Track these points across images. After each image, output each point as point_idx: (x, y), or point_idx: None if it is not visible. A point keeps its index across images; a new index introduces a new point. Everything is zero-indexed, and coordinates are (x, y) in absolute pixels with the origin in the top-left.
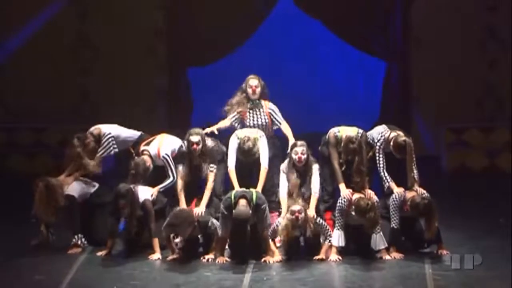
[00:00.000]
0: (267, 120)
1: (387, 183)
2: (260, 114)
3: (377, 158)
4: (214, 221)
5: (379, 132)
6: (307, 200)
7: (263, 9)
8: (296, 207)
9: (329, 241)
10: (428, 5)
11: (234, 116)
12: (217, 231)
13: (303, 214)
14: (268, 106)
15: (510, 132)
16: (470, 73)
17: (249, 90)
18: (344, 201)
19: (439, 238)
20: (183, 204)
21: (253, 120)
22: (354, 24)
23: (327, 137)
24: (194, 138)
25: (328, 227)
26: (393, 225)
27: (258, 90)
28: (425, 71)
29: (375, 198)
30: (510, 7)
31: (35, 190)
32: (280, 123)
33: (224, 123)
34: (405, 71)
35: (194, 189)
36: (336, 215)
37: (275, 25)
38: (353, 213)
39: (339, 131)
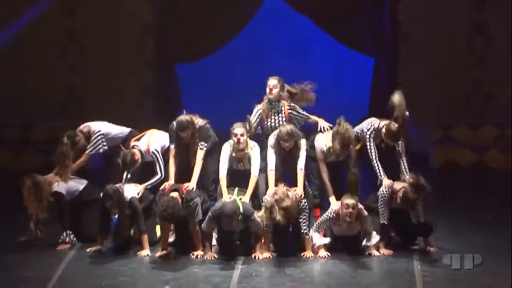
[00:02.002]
0: (285, 122)
1: (380, 177)
2: (279, 116)
3: (368, 147)
4: (199, 201)
5: (368, 122)
6: (294, 179)
7: (252, 5)
8: (285, 203)
9: (306, 233)
10: (416, 2)
11: (255, 120)
12: (198, 211)
13: (287, 202)
14: (287, 106)
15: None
16: (457, 69)
17: (267, 90)
18: (332, 214)
19: (430, 231)
20: (171, 180)
21: (272, 122)
22: (342, 21)
23: (313, 151)
24: (183, 134)
25: (306, 213)
26: (383, 221)
27: (276, 90)
28: (413, 67)
29: (365, 213)
30: (497, 4)
31: (23, 188)
32: (307, 117)
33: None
34: (393, 67)
35: (186, 172)
36: (319, 221)
37: (264, 21)
38: (343, 225)
39: (325, 146)
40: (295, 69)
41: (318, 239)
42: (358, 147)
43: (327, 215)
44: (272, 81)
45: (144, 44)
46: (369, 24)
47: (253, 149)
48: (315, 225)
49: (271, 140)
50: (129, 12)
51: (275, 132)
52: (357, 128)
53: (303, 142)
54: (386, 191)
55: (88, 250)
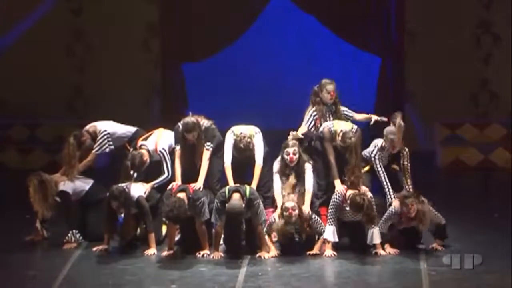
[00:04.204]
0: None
1: (390, 199)
2: (332, 114)
3: (376, 169)
4: (205, 201)
5: (372, 145)
6: (301, 196)
7: (258, 4)
8: (289, 204)
9: (323, 236)
10: (422, 1)
11: (309, 122)
12: (204, 210)
13: (296, 211)
14: (340, 107)
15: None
16: (464, 68)
17: (327, 96)
18: (338, 196)
19: (445, 233)
20: (178, 180)
21: (328, 119)
22: (349, 20)
23: (320, 132)
24: (189, 136)
25: (322, 223)
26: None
27: (334, 95)
28: (420, 66)
29: (369, 194)
30: (504, 2)
31: (29, 186)
32: (352, 116)
33: (302, 130)
34: (400, 66)
35: (192, 173)
36: (330, 210)
37: (270, 20)
38: (347, 208)
39: (333, 126)
40: (301, 68)
41: (333, 234)
42: (367, 169)
43: (334, 201)
44: (332, 86)
45: (150, 44)
46: (376, 23)
47: (256, 136)
48: (329, 217)
49: (276, 166)
50: (135, 11)
51: (279, 159)
52: (366, 152)
53: (308, 166)
54: (395, 210)
55: (94, 249)
